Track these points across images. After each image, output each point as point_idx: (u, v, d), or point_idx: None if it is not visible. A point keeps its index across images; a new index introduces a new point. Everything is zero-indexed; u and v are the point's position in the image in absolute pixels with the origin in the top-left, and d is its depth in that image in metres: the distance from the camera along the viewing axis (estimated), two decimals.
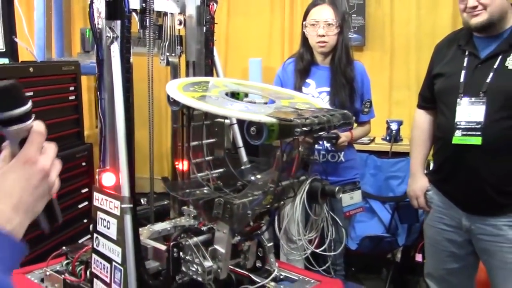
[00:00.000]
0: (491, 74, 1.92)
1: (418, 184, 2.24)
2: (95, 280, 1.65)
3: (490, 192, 1.94)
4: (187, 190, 1.52)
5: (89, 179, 2.95)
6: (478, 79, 1.95)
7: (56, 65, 2.86)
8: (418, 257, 3.00)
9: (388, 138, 3.52)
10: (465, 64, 1.99)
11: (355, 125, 2.59)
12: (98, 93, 1.64)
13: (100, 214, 1.62)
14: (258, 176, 1.57)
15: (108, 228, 1.59)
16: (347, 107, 2.42)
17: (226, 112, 1.30)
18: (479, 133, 1.89)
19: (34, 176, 0.77)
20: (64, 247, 1.88)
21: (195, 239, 1.55)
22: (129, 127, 1.59)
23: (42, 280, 1.81)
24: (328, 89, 2.43)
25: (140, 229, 1.84)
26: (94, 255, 1.66)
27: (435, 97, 2.12)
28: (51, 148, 0.81)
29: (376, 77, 3.73)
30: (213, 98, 1.42)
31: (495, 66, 1.93)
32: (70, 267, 1.80)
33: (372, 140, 3.58)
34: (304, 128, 1.28)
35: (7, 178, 0.76)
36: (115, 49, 1.57)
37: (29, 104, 0.78)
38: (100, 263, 1.64)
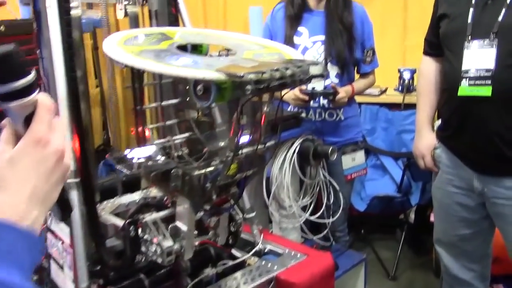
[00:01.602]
0: (503, 11, 1.61)
1: (424, 141, 1.98)
2: (51, 261, 1.50)
3: (503, 149, 1.67)
4: (138, 161, 1.31)
5: None
6: (488, 18, 1.65)
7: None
8: (433, 217, 2.76)
9: (400, 88, 3.22)
10: (473, 2, 1.69)
11: (356, 76, 2.31)
12: (38, 51, 1.43)
13: None
14: (222, 143, 1.36)
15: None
16: (346, 57, 2.16)
17: (162, 69, 1.07)
18: (489, 82, 1.60)
19: (48, 159, 0.66)
20: None
21: (154, 215, 1.37)
22: (75, 89, 1.39)
23: None
24: (323, 37, 2.15)
25: (105, 202, 1.67)
26: (48, 234, 1.50)
27: (441, 42, 1.83)
28: (61, 124, 0.70)
29: (388, 21, 3.43)
30: (157, 52, 1.19)
31: (508, 1, 1.61)
32: None
33: (384, 91, 3.29)
34: (259, 85, 1.04)
35: (18, 164, 0.64)
36: None
37: (32, 74, 0.65)
38: (54, 243, 1.47)
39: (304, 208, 2.09)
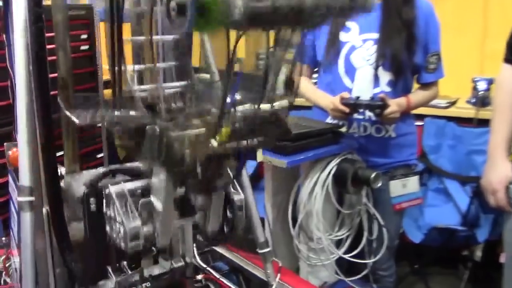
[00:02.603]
0: None
1: (497, 172, 1.58)
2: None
3: None
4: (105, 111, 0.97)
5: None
6: None
7: None
8: (504, 258, 2.29)
9: (473, 100, 2.76)
10: None
11: (415, 86, 1.91)
12: (4, 36, 1.18)
13: (12, 204, 1.19)
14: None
15: (14, 226, 1.15)
16: (403, 60, 1.77)
17: None
18: None
19: None
20: (3, 238, 1.50)
21: (122, 184, 1.03)
22: (43, 83, 1.11)
23: None
24: (376, 35, 1.77)
25: None
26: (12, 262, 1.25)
27: None
28: None
29: (464, 22, 2.98)
30: None
31: None
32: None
33: (453, 103, 2.84)
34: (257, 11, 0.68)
35: None
36: None
37: None
38: (14, 268, 1.22)
39: (340, 242, 1.73)
